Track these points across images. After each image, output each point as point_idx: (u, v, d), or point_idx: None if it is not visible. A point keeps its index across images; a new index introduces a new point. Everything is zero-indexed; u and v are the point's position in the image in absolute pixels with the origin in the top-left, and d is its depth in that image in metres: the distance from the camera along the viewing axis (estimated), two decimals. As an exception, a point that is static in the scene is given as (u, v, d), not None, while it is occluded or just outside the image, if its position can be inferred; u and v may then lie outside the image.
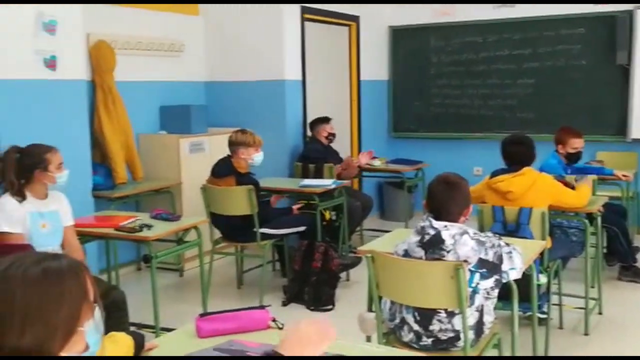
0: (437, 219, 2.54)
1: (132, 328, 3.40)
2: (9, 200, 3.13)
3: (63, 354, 1.17)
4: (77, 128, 4.44)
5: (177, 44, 5.80)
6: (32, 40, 4.09)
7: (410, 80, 7.34)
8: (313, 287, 4.52)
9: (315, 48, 6.32)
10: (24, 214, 3.14)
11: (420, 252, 2.54)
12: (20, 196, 3.14)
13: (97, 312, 1.25)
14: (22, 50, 4.04)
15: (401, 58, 7.38)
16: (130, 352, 1.77)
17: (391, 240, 3.08)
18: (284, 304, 4.56)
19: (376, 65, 7.29)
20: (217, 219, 4.63)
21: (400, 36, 7.34)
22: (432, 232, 2.51)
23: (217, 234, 4.72)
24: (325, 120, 5.88)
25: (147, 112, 5.59)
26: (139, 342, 1.82)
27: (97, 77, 5.00)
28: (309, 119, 6.06)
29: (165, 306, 3.98)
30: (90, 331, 1.22)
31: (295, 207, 4.91)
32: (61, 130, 4.22)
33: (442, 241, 2.49)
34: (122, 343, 1.75)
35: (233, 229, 4.62)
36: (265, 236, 4.56)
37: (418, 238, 2.54)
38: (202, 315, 2.02)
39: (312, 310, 4.46)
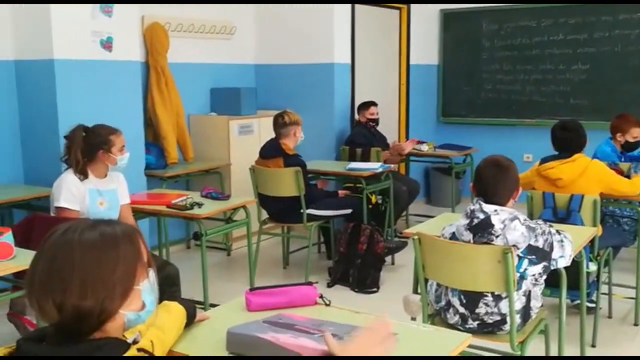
0: (486, 202, 2.53)
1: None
2: (71, 177, 3.25)
3: (122, 311, 1.23)
4: (132, 108, 4.57)
5: (228, 26, 5.87)
6: (90, 22, 4.22)
7: (460, 65, 7.24)
8: (358, 270, 4.55)
9: (365, 31, 6.30)
10: (84, 191, 3.27)
11: (469, 236, 2.53)
12: (83, 174, 3.26)
13: (152, 274, 1.30)
14: (80, 31, 4.17)
15: (452, 42, 7.28)
16: (182, 321, 1.83)
17: (438, 223, 3.08)
18: (329, 285, 4.60)
19: (426, 49, 7.22)
20: (264, 200, 4.71)
21: (451, 20, 7.24)
22: (481, 216, 2.50)
23: (265, 214, 4.80)
24: (365, 105, 5.82)
25: (198, 94, 5.69)
26: (191, 312, 1.88)
27: (151, 59, 5.11)
28: (357, 103, 6.05)
29: (213, 284, 4.07)
30: (146, 290, 1.28)
31: (341, 192, 4.95)
32: (116, 109, 4.35)
33: (491, 226, 2.47)
34: (175, 312, 1.81)
35: (280, 210, 4.69)
36: (311, 218, 4.61)
37: (467, 221, 2.54)
38: (251, 289, 2.07)
39: (356, 292, 4.49)
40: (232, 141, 5.47)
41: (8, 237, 2.60)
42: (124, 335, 1.29)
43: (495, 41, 7.00)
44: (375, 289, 4.51)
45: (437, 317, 2.74)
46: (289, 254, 5.14)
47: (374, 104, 5.83)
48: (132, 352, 1.20)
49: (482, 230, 2.49)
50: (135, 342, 1.27)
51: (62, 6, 4.06)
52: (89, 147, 3.26)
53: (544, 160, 3.75)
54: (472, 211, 2.53)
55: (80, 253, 1.20)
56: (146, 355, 1.23)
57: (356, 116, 6.01)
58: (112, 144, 3.30)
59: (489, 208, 2.50)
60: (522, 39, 6.84)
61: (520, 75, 6.90)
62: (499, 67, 7.01)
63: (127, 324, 1.27)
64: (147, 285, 1.28)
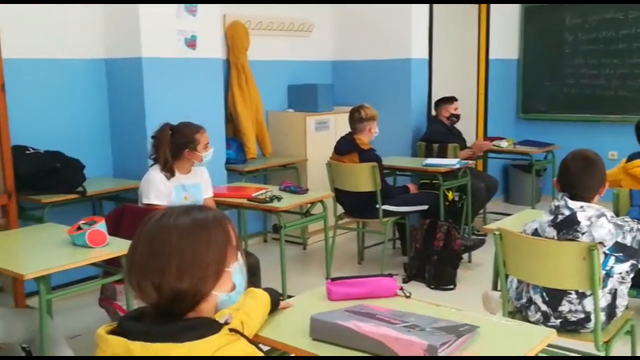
0: (572, 197, 2.47)
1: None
2: (158, 174, 3.38)
3: (214, 292, 1.30)
4: (214, 104, 4.71)
5: (306, 24, 5.94)
6: (176, 21, 4.38)
7: (542, 60, 7.04)
8: (434, 266, 4.52)
9: (443, 25, 6.22)
10: (171, 187, 3.40)
11: (553, 232, 2.48)
12: (170, 172, 3.39)
13: (240, 257, 1.37)
14: (167, 30, 4.34)
15: (533, 36, 7.09)
16: (267, 307, 1.89)
17: (518, 220, 3.03)
18: (405, 281, 4.59)
19: (506, 43, 7.06)
20: (340, 195, 4.74)
21: (533, 13, 7.05)
22: (566, 212, 2.44)
23: (340, 209, 4.84)
24: (449, 100, 5.72)
25: (276, 91, 5.79)
26: (275, 299, 1.94)
27: (232, 56, 5.25)
28: (434, 99, 5.99)
29: (290, 277, 4.13)
30: (236, 272, 1.34)
31: (411, 185, 4.92)
32: (199, 106, 4.49)
33: (577, 222, 2.41)
34: (259, 298, 1.87)
35: (356, 205, 4.71)
36: (387, 213, 4.61)
37: (551, 218, 2.48)
38: (332, 279, 2.11)
39: (432, 288, 4.46)
40: (309, 137, 5.54)
41: (102, 225, 2.75)
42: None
43: (579, 35, 6.77)
44: (451, 286, 4.47)
45: (517, 314, 2.70)
46: (364, 249, 5.16)
47: (456, 99, 5.73)
48: (224, 331, 1.26)
49: (567, 227, 2.43)
50: (226, 323, 1.33)
51: (149, 6, 4.23)
52: (175, 147, 3.37)
53: (632, 157, 3.61)
54: (557, 207, 2.47)
55: (176, 237, 1.27)
56: (237, 334, 1.28)
57: (432, 112, 5.96)
58: (197, 142, 3.41)
59: (574, 204, 2.43)
60: (608, 32, 6.58)
61: (605, 69, 6.64)
62: (582, 61, 6.78)
63: (219, 305, 1.33)
64: (236, 267, 1.35)
